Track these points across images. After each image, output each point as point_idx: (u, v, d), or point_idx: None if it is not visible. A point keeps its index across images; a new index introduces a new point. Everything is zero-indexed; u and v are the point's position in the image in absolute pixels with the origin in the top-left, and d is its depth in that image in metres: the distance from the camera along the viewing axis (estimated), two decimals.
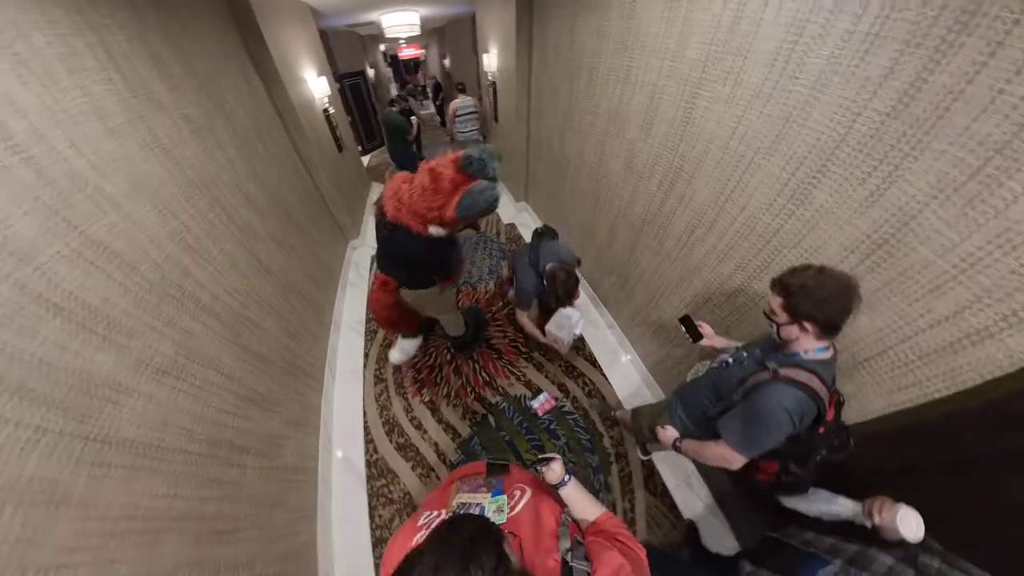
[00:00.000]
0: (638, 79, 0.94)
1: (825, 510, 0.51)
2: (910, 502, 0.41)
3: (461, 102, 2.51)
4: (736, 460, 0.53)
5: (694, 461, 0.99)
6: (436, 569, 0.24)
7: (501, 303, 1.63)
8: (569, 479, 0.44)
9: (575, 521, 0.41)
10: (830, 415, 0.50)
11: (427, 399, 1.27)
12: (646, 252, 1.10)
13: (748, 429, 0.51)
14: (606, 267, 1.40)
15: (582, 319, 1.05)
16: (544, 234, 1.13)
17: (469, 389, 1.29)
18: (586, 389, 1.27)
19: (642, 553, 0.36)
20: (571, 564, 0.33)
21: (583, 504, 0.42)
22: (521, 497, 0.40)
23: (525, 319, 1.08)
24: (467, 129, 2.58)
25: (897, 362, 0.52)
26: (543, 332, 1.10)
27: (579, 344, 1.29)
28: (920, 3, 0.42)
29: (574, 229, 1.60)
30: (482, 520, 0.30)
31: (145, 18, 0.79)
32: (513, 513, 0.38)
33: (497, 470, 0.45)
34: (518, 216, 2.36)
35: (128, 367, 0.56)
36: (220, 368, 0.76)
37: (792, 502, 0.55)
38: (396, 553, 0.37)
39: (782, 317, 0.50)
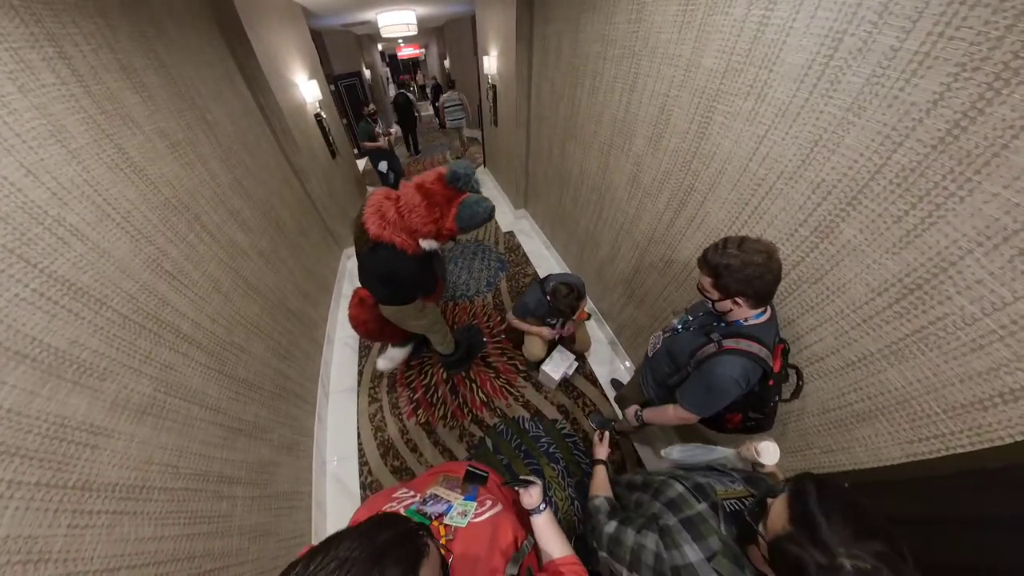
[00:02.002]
0: (646, 88, 0.88)
1: (704, 459, 0.57)
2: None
3: (448, 96, 3.12)
4: (694, 419, 0.61)
5: None
6: (340, 565, 0.24)
7: (499, 318, 1.59)
8: (544, 508, 0.44)
9: (537, 552, 0.41)
10: (776, 367, 0.55)
11: (423, 420, 1.24)
12: (652, 272, 1.05)
13: (703, 397, 0.57)
14: (608, 282, 1.35)
15: (576, 364, 1.13)
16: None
17: (466, 410, 1.25)
18: (586, 410, 1.23)
19: None
20: None
21: (551, 538, 0.42)
22: (489, 509, 0.40)
23: (515, 320, 1.12)
24: (453, 118, 3.16)
25: (920, 413, 0.49)
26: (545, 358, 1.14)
27: (568, 386, 1.27)
28: (982, 22, 0.36)
29: (574, 241, 1.56)
30: (408, 529, 0.27)
31: (115, 25, 0.73)
32: (475, 521, 0.38)
33: (474, 479, 0.44)
34: (516, 224, 2.30)
35: (104, 410, 0.52)
36: (204, 402, 0.72)
37: (676, 455, 0.60)
38: (363, 513, 0.38)
39: (714, 295, 0.54)
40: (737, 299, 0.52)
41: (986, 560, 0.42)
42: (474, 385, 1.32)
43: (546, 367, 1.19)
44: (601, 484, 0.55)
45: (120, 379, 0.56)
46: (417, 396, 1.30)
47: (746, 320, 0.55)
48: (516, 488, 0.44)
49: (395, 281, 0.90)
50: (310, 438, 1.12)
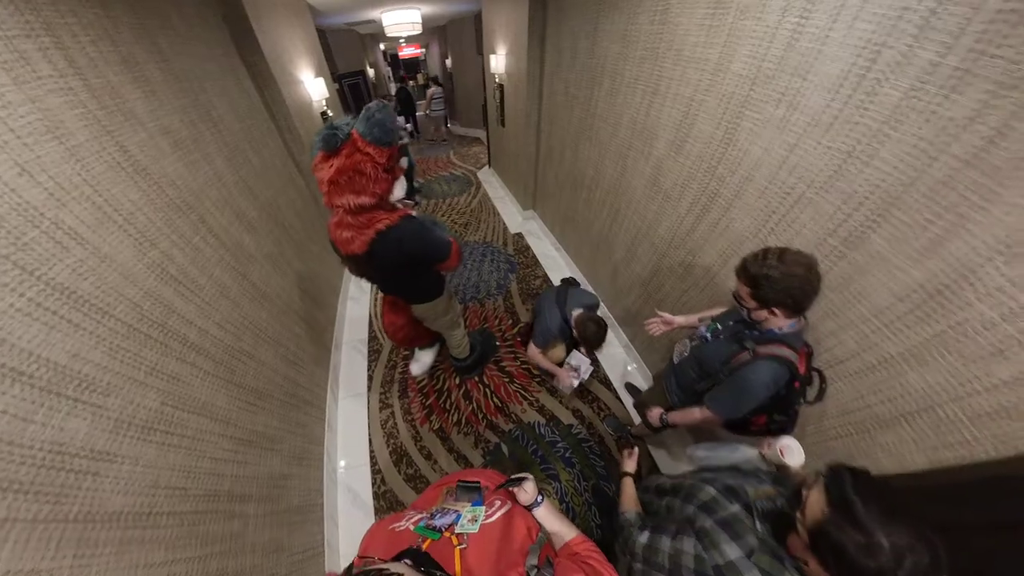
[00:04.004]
0: (669, 91, 0.87)
1: (728, 457, 0.59)
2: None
3: (435, 91, 4.19)
4: (720, 421, 0.63)
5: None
6: None
7: (511, 322, 1.57)
8: (542, 500, 0.45)
9: (551, 542, 0.42)
10: (802, 369, 0.56)
11: (436, 427, 1.21)
12: (671, 276, 1.05)
13: (734, 401, 0.59)
14: (623, 285, 1.34)
15: (591, 368, 1.11)
16: (571, 283, 1.20)
17: (480, 416, 1.23)
18: (601, 414, 1.22)
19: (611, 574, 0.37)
20: None
21: (555, 526, 0.43)
22: (499, 509, 0.41)
23: (536, 354, 1.09)
24: (438, 109, 4.19)
25: (944, 420, 0.49)
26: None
27: (583, 390, 1.27)
28: (1023, 41, 0.36)
29: (587, 243, 1.55)
30: None
31: (116, 15, 0.68)
32: (487, 523, 0.39)
33: (466, 491, 0.44)
34: (525, 225, 2.28)
35: (107, 430, 0.48)
36: (213, 413, 0.68)
37: (701, 454, 0.63)
38: (374, 536, 0.39)
39: (751, 303, 0.54)
40: (775, 309, 0.52)
41: (1010, 567, 0.42)
42: (488, 390, 1.30)
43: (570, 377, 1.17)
44: (629, 497, 0.56)
45: (125, 394, 0.52)
46: (430, 402, 1.28)
47: (780, 329, 0.56)
48: (511, 489, 0.45)
49: (409, 260, 0.81)
50: (320, 446, 1.08)
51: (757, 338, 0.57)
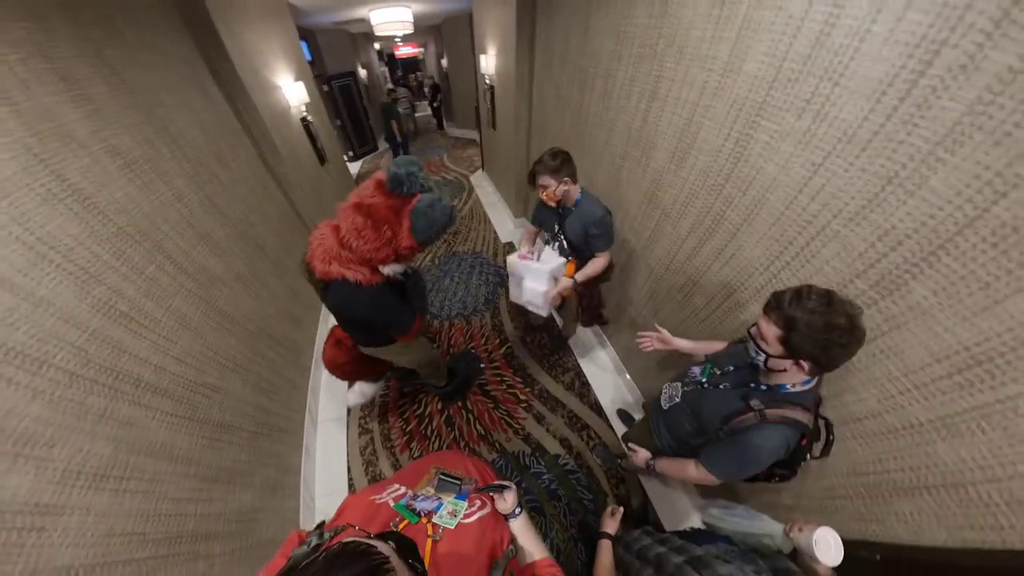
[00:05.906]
0: (670, 94, 0.76)
1: (743, 524, 0.51)
2: None
3: (401, 92, 4.43)
4: (716, 483, 0.55)
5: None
6: None
7: (498, 340, 1.49)
8: (520, 511, 0.44)
9: (518, 558, 0.41)
10: (811, 420, 0.48)
11: (417, 454, 1.16)
12: (668, 303, 0.95)
13: (734, 465, 0.52)
14: (617, 306, 1.24)
15: (557, 264, 0.77)
16: None
17: (463, 444, 1.17)
18: (590, 443, 1.15)
19: None
20: None
21: (528, 542, 0.42)
22: (478, 510, 0.41)
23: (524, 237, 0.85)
24: (404, 108, 4.32)
25: (976, 500, 0.42)
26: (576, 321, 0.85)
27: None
28: None
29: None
30: (370, 567, 0.24)
31: (51, 28, 0.63)
32: (464, 522, 0.38)
33: (447, 487, 0.44)
34: (517, 233, 2.20)
35: (53, 482, 0.45)
36: (173, 454, 0.64)
37: (713, 517, 0.55)
38: (352, 506, 0.37)
39: (775, 349, 0.44)
40: (802, 362, 0.42)
41: None
42: (471, 416, 1.24)
43: (530, 280, 0.75)
44: (604, 569, 0.50)
45: (71, 444, 0.49)
46: (410, 428, 1.23)
47: (793, 386, 0.47)
48: (491, 494, 0.44)
49: (356, 322, 0.77)
50: (296, 475, 1.05)
51: (765, 396, 0.49)
